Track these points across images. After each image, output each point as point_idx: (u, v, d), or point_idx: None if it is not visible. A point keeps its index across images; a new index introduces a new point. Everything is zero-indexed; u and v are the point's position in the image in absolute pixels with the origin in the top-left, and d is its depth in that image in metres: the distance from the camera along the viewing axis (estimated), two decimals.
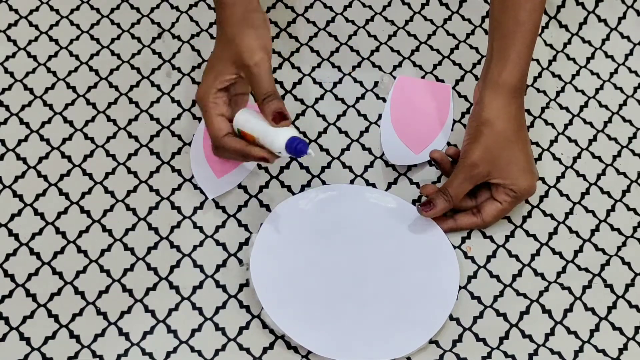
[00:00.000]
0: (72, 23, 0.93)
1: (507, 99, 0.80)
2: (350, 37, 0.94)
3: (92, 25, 0.93)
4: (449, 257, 0.82)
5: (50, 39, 0.92)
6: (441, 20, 0.95)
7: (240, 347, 0.78)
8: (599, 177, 0.88)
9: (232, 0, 0.77)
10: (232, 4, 0.77)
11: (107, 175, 0.85)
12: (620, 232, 0.85)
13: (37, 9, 0.94)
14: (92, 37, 0.93)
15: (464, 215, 0.83)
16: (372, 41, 0.94)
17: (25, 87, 0.89)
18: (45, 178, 0.85)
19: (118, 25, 0.93)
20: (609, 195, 0.87)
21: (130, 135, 0.88)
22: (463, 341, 0.80)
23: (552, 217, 0.85)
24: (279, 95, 0.76)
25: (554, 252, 0.84)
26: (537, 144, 0.89)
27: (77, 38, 0.92)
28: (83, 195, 0.84)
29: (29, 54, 0.91)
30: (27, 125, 0.87)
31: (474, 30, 0.95)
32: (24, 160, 0.86)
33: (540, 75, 0.93)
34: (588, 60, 0.94)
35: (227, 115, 0.78)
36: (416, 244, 0.82)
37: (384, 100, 0.91)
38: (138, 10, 0.94)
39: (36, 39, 0.92)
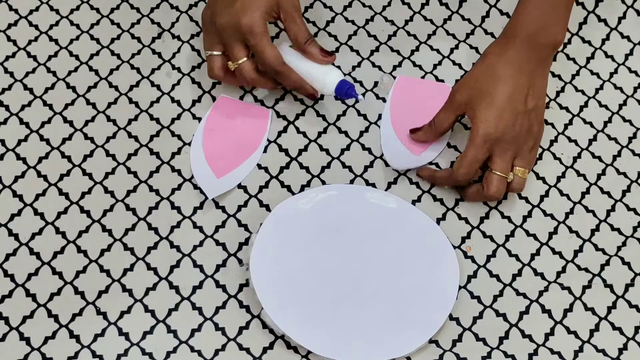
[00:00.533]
0: (72, 23, 0.93)
1: (509, 44, 0.82)
2: (350, 37, 0.94)
3: (92, 25, 0.93)
4: (449, 257, 0.82)
5: (50, 39, 0.92)
6: (441, 20, 0.95)
7: (240, 347, 0.78)
8: (599, 177, 0.88)
9: None
10: None
11: (107, 175, 0.85)
12: (620, 232, 0.85)
13: (37, 9, 0.94)
14: (92, 37, 0.93)
15: (445, 169, 0.85)
16: (372, 41, 0.94)
17: (25, 87, 0.89)
18: (45, 178, 0.85)
19: (118, 25, 0.93)
20: (609, 195, 0.87)
21: (130, 135, 0.88)
22: (463, 341, 0.80)
23: (552, 216, 0.85)
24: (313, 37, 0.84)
25: (554, 251, 0.84)
26: None
27: (77, 38, 0.92)
28: (83, 195, 0.84)
29: (29, 54, 0.91)
30: (27, 125, 0.87)
31: (474, 30, 0.95)
32: (24, 160, 0.86)
33: None
34: (588, 60, 0.94)
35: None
36: (416, 244, 0.82)
37: (384, 100, 0.90)
38: (138, 10, 0.94)
39: (36, 39, 0.92)
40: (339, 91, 0.84)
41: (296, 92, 0.88)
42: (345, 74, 0.90)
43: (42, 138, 0.87)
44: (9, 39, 0.92)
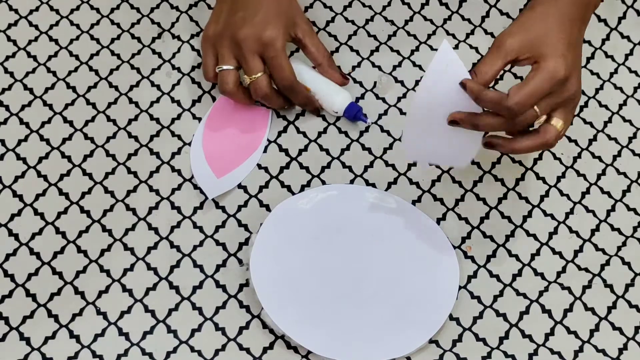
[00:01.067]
0: (72, 23, 0.93)
1: (559, 4, 0.76)
2: (350, 37, 0.94)
3: (92, 25, 0.93)
4: (449, 257, 0.82)
5: (50, 39, 0.92)
6: (441, 20, 0.95)
7: (240, 347, 0.78)
8: (599, 177, 0.88)
9: None
10: None
11: (107, 175, 0.85)
12: (620, 232, 0.85)
13: (37, 9, 0.94)
14: (92, 37, 0.93)
15: (486, 115, 0.73)
16: (372, 41, 0.94)
17: (25, 87, 0.89)
18: (45, 178, 0.85)
19: (118, 25, 0.93)
20: (609, 195, 0.87)
21: (130, 135, 0.88)
22: (463, 341, 0.80)
23: (552, 216, 0.85)
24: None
25: (554, 251, 0.84)
26: None
27: (77, 38, 0.92)
28: (83, 195, 0.84)
29: (29, 54, 0.91)
30: (27, 125, 0.87)
31: (474, 30, 0.95)
32: (24, 160, 0.86)
33: None
34: (588, 60, 0.94)
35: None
36: (416, 244, 0.82)
37: (384, 100, 0.91)
38: (138, 10, 0.94)
39: (36, 39, 0.92)
40: (348, 113, 0.87)
41: (303, 107, 0.88)
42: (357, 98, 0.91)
43: (42, 138, 0.87)
44: (9, 39, 0.92)
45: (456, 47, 0.94)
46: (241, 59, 0.83)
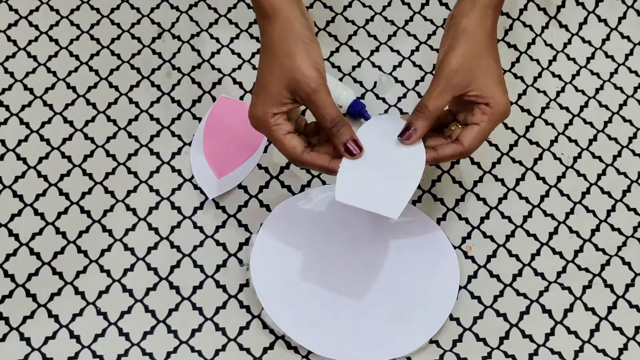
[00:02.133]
0: (72, 23, 0.93)
1: (484, 11, 0.75)
2: (350, 37, 0.94)
3: (92, 25, 0.93)
4: (449, 257, 0.82)
5: (50, 39, 0.92)
6: (441, 20, 0.95)
7: (241, 347, 0.78)
8: (599, 177, 0.88)
9: (277, 6, 0.73)
10: (276, 12, 0.73)
11: (107, 175, 0.85)
12: (620, 232, 0.85)
13: (37, 9, 0.94)
14: (92, 37, 0.93)
15: (445, 144, 0.75)
16: (372, 41, 0.94)
17: (25, 87, 0.89)
18: (45, 178, 0.85)
19: (118, 25, 0.93)
20: (610, 195, 0.87)
21: (130, 135, 0.88)
22: (463, 341, 0.80)
23: (552, 217, 0.85)
24: (346, 119, 0.73)
25: (554, 252, 0.84)
26: (537, 144, 0.89)
27: (77, 38, 0.92)
28: (83, 195, 0.84)
29: (29, 54, 0.91)
30: (27, 125, 0.87)
31: None
32: (24, 160, 0.86)
33: (540, 75, 0.93)
34: (588, 60, 0.94)
35: (292, 130, 0.74)
36: (416, 244, 0.82)
37: (384, 100, 0.91)
38: (138, 10, 0.94)
39: (36, 39, 0.92)
40: (352, 108, 0.88)
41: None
42: (359, 97, 0.91)
43: (42, 138, 0.87)
44: (9, 39, 0.92)
45: None
46: None
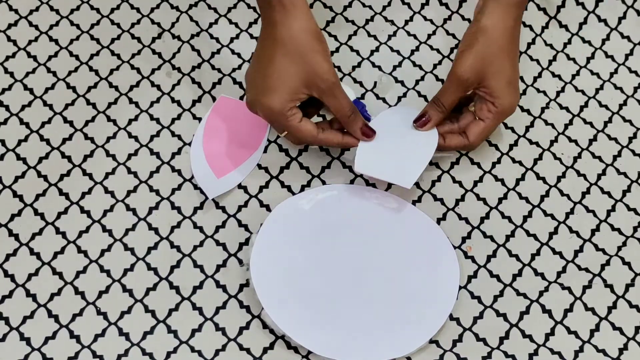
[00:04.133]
0: (72, 23, 0.93)
1: (506, 9, 0.80)
2: (350, 36, 0.94)
3: (92, 25, 0.93)
4: (449, 257, 0.82)
5: (50, 39, 0.92)
6: (441, 20, 0.95)
7: (241, 347, 0.78)
8: (599, 177, 0.88)
9: (297, 5, 0.76)
10: (294, 5, 0.76)
11: (107, 175, 0.85)
12: (620, 232, 0.85)
13: (37, 9, 0.94)
14: (92, 37, 0.93)
15: (452, 135, 0.84)
16: (372, 41, 0.94)
17: (25, 87, 0.89)
18: (45, 178, 0.85)
19: (118, 25, 0.93)
20: (610, 195, 0.87)
21: (130, 135, 0.88)
22: (463, 341, 0.80)
23: (552, 216, 0.85)
24: (357, 109, 0.81)
25: (554, 251, 0.84)
26: (537, 144, 0.89)
27: (77, 38, 0.92)
28: (83, 195, 0.84)
29: (29, 54, 0.91)
30: (27, 125, 0.87)
31: None
32: (24, 160, 0.86)
33: (540, 75, 0.93)
34: (588, 60, 0.94)
35: (303, 116, 0.80)
36: (416, 244, 0.82)
37: (384, 100, 0.91)
38: (138, 10, 0.94)
39: (36, 39, 0.92)
40: None
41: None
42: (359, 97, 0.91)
43: (42, 138, 0.87)
44: (9, 39, 0.92)
45: (456, 46, 0.94)
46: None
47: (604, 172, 0.88)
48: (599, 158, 0.89)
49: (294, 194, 0.85)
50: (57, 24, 0.93)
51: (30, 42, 0.92)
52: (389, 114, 0.85)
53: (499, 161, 0.88)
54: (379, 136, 0.82)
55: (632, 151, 0.89)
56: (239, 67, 0.92)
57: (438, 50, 0.94)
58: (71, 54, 0.91)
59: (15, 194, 0.84)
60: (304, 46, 0.76)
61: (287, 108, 0.77)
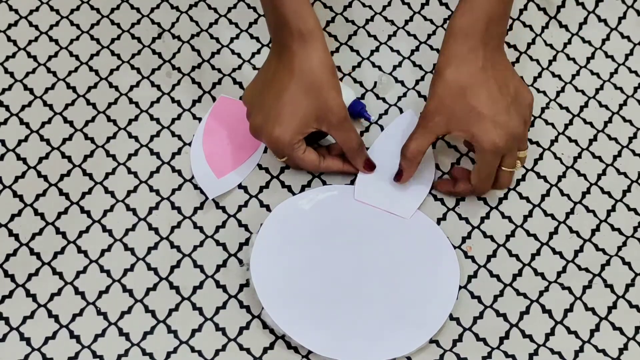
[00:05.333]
0: (72, 23, 0.93)
1: (463, 44, 0.76)
2: (350, 37, 0.94)
3: (92, 25, 0.93)
4: (449, 256, 0.82)
5: (50, 39, 0.92)
6: (441, 20, 0.95)
7: (241, 347, 0.78)
8: (599, 177, 0.88)
9: (311, 27, 0.75)
10: (312, 35, 0.75)
11: (107, 175, 0.85)
12: (620, 232, 0.85)
13: (37, 9, 0.94)
14: (92, 37, 0.93)
15: (462, 181, 0.83)
16: (372, 41, 0.94)
17: (25, 87, 0.89)
18: (45, 178, 0.85)
19: (118, 25, 0.93)
20: (610, 195, 0.87)
21: (130, 135, 0.88)
22: (463, 341, 0.80)
23: (552, 216, 0.85)
24: (363, 143, 0.83)
25: (554, 251, 0.84)
26: (537, 143, 0.89)
27: (77, 38, 0.92)
28: (83, 195, 0.84)
29: (29, 54, 0.91)
30: (27, 125, 0.87)
31: None
32: (24, 161, 0.86)
33: (540, 75, 0.93)
34: (588, 60, 0.94)
35: (306, 144, 0.81)
36: (416, 244, 0.82)
37: (384, 100, 0.91)
38: (138, 10, 0.94)
39: (36, 39, 0.92)
40: (351, 109, 0.87)
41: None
42: (359, 97, 0.90)
43: (42, 138, 0.87)
44: (9, 39, 0.92)
45: None
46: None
47: (604, 172, 0.88)
48: (599, 158, 0.89)
49: (294, 194, 0.85)
50: (57, 24, 0.93)
51: (30, 42, 0.92)
52: (387, 138, 0.86)
53: None
54: (378, 164, 0.84)
55: (632, 151, 0.89)
56: (239, 67, 0.92)
57: (438, 50, 0.93)
58: (71, 54, 0.92)
59: (15, 194, 0.84)
60: (320, 81, 0.76)
61: (295, 140, 0.78)
